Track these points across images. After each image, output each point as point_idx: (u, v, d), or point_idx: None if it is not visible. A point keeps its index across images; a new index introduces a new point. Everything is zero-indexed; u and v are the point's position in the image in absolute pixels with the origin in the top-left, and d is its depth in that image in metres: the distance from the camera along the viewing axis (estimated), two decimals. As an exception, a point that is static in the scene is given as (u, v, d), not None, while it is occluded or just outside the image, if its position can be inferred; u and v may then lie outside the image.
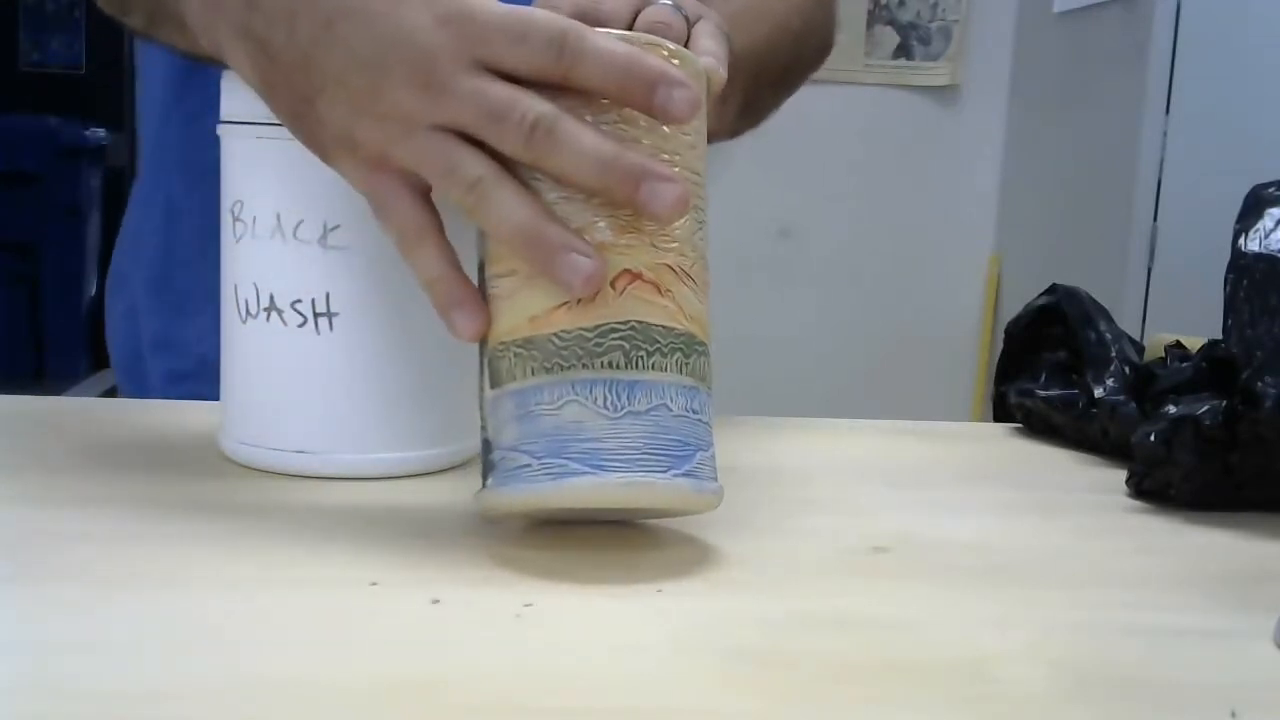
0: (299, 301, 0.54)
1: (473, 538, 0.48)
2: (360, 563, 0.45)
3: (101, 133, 3.77)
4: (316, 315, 0.54)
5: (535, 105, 0.44)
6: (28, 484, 0.53)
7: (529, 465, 0.44)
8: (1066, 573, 0.48)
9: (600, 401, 0.44)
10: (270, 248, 0.54)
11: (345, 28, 0.45)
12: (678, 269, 0.45)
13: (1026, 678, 0.38)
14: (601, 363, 0.44)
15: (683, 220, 0.45)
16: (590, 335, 0.44)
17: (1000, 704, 0.36)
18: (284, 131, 0.53)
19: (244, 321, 0.55)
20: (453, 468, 0.57)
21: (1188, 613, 0.44)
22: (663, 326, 0.45)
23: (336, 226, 0.53)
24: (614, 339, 0.44)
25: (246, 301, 0.55)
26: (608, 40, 0.44)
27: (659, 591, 0.43)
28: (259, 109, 0.54)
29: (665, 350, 0.45)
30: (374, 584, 0.43)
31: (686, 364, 0.45)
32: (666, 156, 0.45)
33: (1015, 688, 0.37)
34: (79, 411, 0.68)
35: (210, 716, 0.33)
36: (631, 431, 0.44)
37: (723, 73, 0.51)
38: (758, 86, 0.70)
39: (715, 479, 0.47)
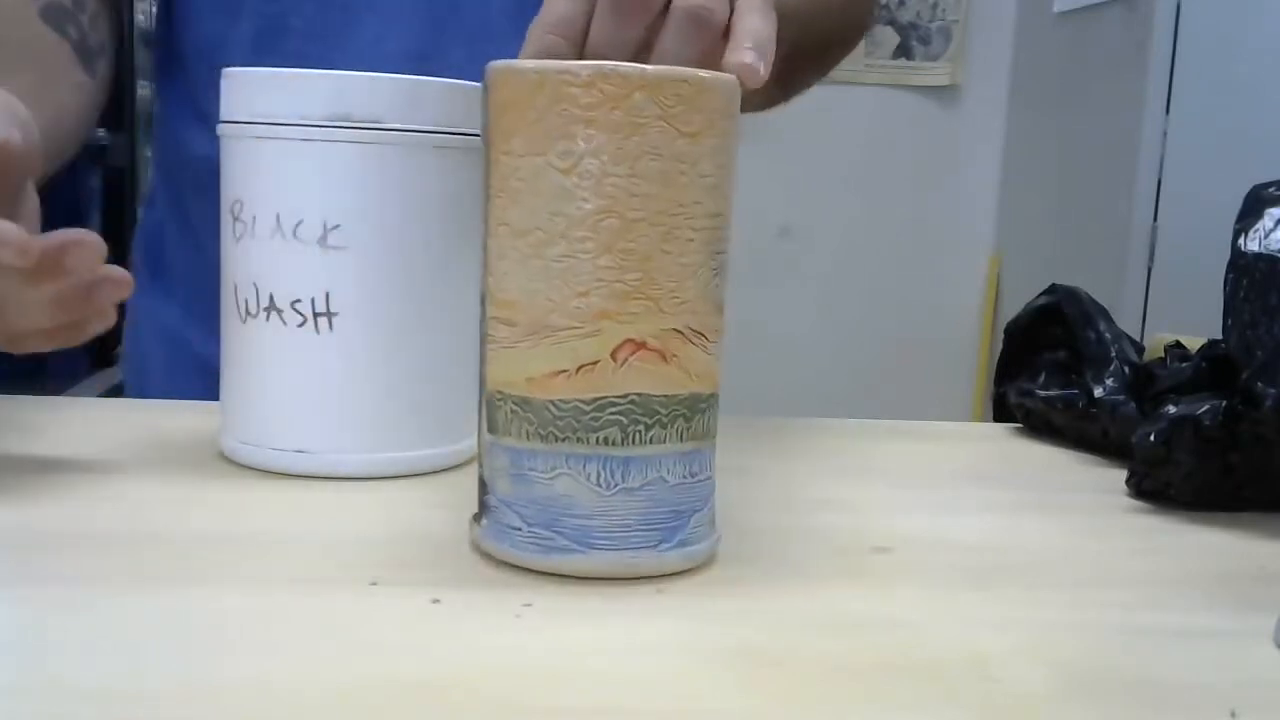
0: (299, 301, 0.54)
1: (473, 538, 0.48)
2: (360, 563, 0.45)
3: (101, 133, 3.75)
4: (316, 315, 0.54)
5: None
6: (28, 484, 0.53)
7: (520, 529, 0.44)
8: (1066, 573, 0.48)
9: (593, 479, 0.43)
10: (270, 248, 0.54)
11: None
12: (686, 330, 0.44)
13: (1026, 678, 0.38)
14: (596, 439, 0.43)
15: (697, 272, 0.44)
16: (587, 409, 0.43)
17: (1000, 704, 0.36)
18: (284, 131, 0.53)
19: (244, 321, 0.55)
20: (453, 468, 0.57)
21: (1188, 613, 0.44)
22: (664, 396, 0.44)
23: (336, 226, 0.53)
24: (611, 414, 0.43)
25: (246, 301, 0.55)
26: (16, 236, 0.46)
27: (659, 591, 0.43)
28: (259, 109, 0.54)
29: (665, 420, 0.44)
30: (374, 584, 0.43)
31: (688, 429, 0.44)
32: (684, 207, 0.43)
33: (1015, 688, 0.37)
34: (79, 411, 0.68)
35: (210, 716, 0.33)
36: (623, 509, 0.43)
37: (763, 71, 0.49)
38: (799, 56, 0.66)
39: (710, 534, 0.46)
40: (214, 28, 0.80)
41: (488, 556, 0.46)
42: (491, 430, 0.45)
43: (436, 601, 0.41)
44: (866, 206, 2.97)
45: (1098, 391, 0.67)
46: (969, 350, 3.01)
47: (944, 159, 2.97)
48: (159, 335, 0.88)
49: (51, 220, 0.54)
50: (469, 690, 0.35)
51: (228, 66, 0.57)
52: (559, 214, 0.43)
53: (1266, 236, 0.60)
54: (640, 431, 0.43)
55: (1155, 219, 2.21)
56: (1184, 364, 0.65)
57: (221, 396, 0.58)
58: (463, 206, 0.55)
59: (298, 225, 0.53)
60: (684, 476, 0.45)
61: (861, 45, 2.88)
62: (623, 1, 0.48)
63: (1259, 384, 0.54)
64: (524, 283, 0.43)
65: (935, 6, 2.93)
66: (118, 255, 0.93)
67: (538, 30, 0.49)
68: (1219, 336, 0.61)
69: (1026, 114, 2.85)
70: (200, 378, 0.72)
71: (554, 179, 0.42)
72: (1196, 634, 0.42)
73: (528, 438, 0.44)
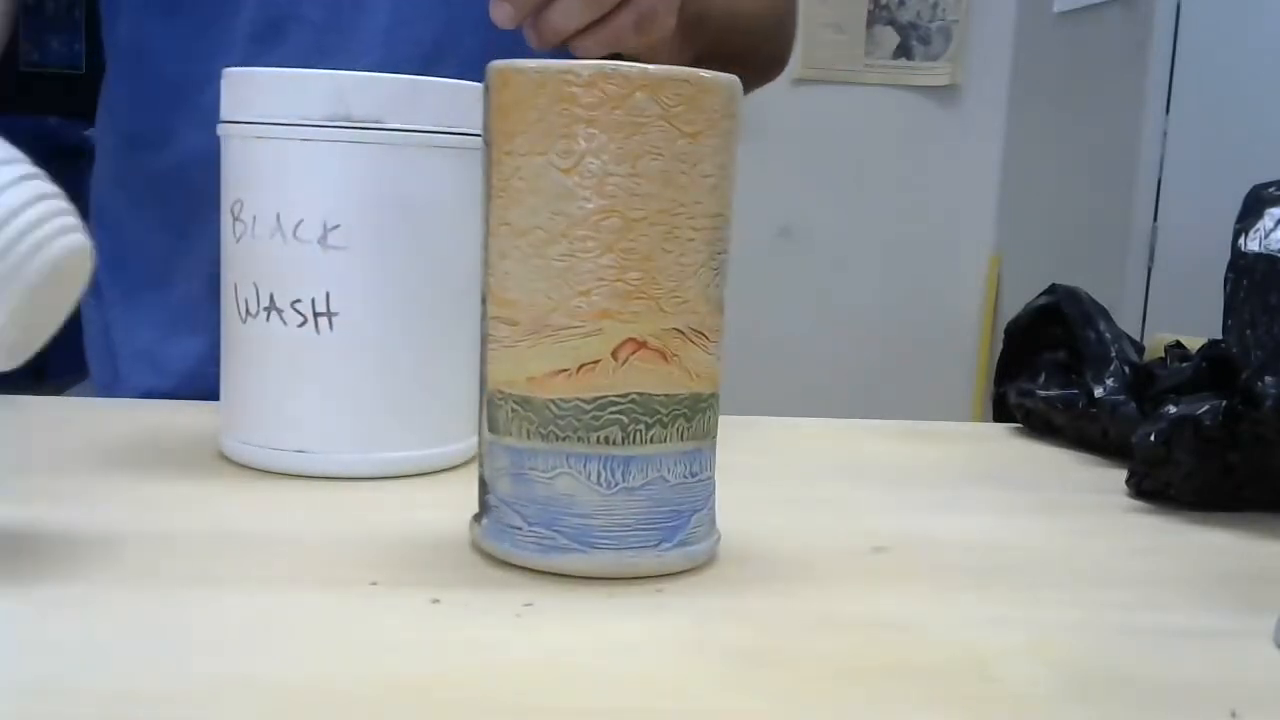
0: (299, 301, 0.54)
1: (473, 538, 0.48)
2: (360, 563, 0.45)
3: (102, 133, 3.76)
4: (316, 315, 0.54)
5: None
6: (28, 484, 0.53)
7: (520, 528, 0.44)
8: (1066, 573, 0.48)
9: (594, 478, 0.43)
10: (270, 247, 0.54)
11: None
12: (686, 330, 0.44)
13: (1026, 678, 0.38)
14: (597, 437, 0.43)
15: (698, 271, 0.44)
16: (588, 408, 0.43)
17: (1000, 704, 0.36)
18: (284, 131, 0.53)
19: (244, 321, 0.55)
20: (453, 468, 0.57)
21: (1188, 613, 0.44)
22: (665, 395, 0.44)
23: (336, 226, 0.53)
24: (612, 413, 0.43)
25: (246, 301, 0.55)
26: None
27: (659, 591, 0.43)
28: (259, 109, 0.54)
29: (666, 420, 0.44)
30: (374, 584, 0.43)
31: (689, 428, 0.44)
32: (685, 207, 0.43)
33: (1015, 688, 0.37)
34: (79, 411, 0.68)
35: (209, 717, 0.33)
36: (624, 508, 0.43)
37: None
38: (719, 49, 0.77)
39: (710, 534, 0.47)
40: (206, 25, 0.78)
41: (488, 556, 0.46)
42: (492, 430, 0.45)
43: (436, 601, 0.41)
44: (866, 206, 2.97)
45: (1098, 391, 0.67)
46: (969, 350, 3.01)
47: (944, 159, 2.97)
48: (137, 358, 0.84)
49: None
50: (469, 690, 0.35)
51: (226, 61, 0.56)
52: (560, 213, 0.43)
53: (1266, 236, 0.60)
54: (641, 431, 0.43)
55: (1155, 219, 2.21)
56: (1184, 364, 0.65)
57: (221, 396, 0.58)
58: (463, 206, 0.55)
59: (298, 225, 0.53)
60: (684, 476, 0.45)
61: (861, 45, 2.89)
62: None
63: (1259, 384, 0.54)
64: (525, 282, 0.43)
65: (935, 6, 2.93)
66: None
67: None
68: (1219, 336, 0.61)
69: (1026, 114, 2.85)
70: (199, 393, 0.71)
71: (555, 178, 0.42)
72: (1196, 634, 0.42)
73: (528, 437, 0.44)
